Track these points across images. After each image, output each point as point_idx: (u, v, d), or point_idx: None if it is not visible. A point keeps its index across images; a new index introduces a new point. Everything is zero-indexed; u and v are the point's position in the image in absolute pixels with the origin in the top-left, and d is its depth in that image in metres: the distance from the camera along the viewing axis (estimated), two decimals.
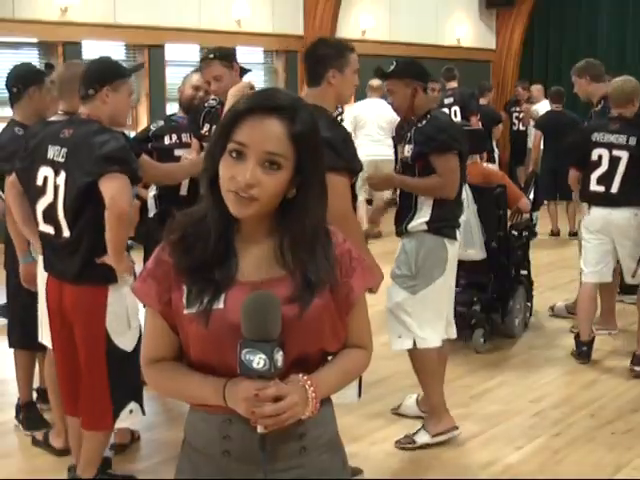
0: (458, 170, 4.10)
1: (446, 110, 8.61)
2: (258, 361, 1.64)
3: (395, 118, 9.71)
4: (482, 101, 11.01)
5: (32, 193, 3.55)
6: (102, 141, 3.34)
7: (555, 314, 6.60)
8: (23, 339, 4.43)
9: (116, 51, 10.29)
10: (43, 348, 4.40)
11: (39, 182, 3.48)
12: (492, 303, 5.84)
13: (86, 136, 3.38)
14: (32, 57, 9.36)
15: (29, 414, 4.47)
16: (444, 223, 4.12)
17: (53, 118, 3.99)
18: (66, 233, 3.42)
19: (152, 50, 10.45)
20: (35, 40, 9.46)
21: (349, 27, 12.78)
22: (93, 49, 9.85)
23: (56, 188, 3.42)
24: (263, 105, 1.71)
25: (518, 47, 15.55)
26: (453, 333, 4.37)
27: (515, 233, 6.08)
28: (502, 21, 15.53)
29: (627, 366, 5.39)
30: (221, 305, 1.73)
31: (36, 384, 4.64)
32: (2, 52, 9.23)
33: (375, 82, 10.21)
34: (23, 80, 4.30)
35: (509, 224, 6.04)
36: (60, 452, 4.08)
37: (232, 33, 10.83)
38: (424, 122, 4.14)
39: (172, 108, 6.06)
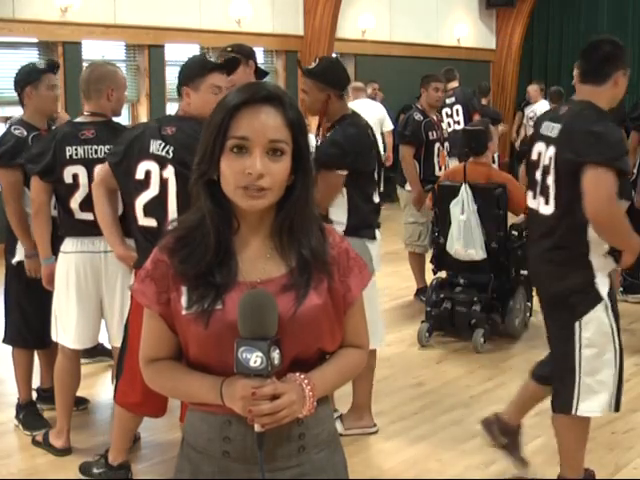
0: (337, 188, 3.99)
1: (448, 110, 8.57)
2: (255, 359, 1.63)
3: (381, 119, 9.72)
4: (483, 101, 11.04)
5: (130, 187, 3.52)
6: None
7: None
8: (20, 337, 4.43)
9: (116, 51, 10.30)
10: (42, 347, 4.41)
11: (140, 176, 3.46)
12: (492, 303, 5.85)
13: (192, 133, 3.37)
14: (32, 57, 9.34)
15: (29, 414, 4.46)
16: (361, 224, 4.05)
17: (79, 119, 4.04)
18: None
19: (152, 50, 10.45)
20: (35, 40, 9.45)
21: (349, 27, 12.78)
22: (93, 49, 9.87)
23: (164, 182, 3.41)
24: (257, 96, 1.72)
25: (518, 47, 15.56)
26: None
27: (515, 233, 6.07)
28: (502, 21, 15.55)
29: (627, 366, 5.37)
30: (220, 305, 1.73)
31: (36, 384, 4.64)
32: (2, 52, 9.22)
33: (357, 83, 10.27)
34: (20, 82, 4.34)
35: (509, 224, 6.03)
36: (60, 452, 4.08)
37: (232, 33, 10.83)
38: (329, 134, 4.06)
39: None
